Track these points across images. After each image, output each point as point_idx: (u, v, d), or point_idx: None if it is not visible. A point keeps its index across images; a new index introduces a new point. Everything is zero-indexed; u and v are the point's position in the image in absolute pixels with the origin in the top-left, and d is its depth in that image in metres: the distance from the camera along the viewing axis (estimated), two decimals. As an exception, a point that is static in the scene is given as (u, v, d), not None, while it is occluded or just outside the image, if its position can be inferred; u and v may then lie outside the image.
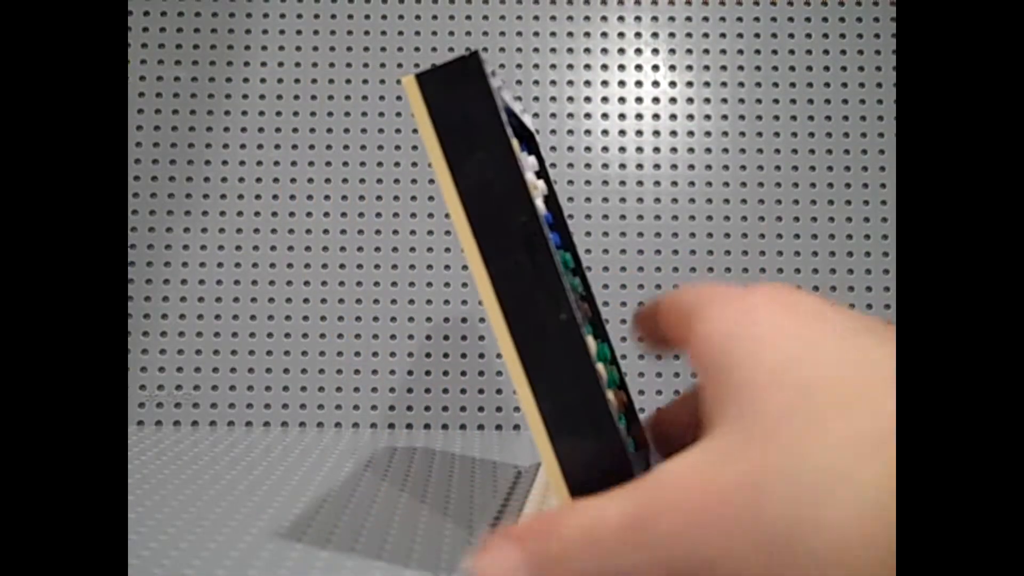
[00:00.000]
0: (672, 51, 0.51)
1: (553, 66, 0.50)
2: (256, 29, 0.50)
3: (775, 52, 0.51)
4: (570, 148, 0.50)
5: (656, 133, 0.50)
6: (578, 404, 0.22)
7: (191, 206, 0.49)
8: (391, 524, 0.30)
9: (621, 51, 0.51)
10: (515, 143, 0.24)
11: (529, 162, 0.31)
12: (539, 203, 0.27)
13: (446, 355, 0.49)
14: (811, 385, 0.17)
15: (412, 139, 0.50)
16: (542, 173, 0.36)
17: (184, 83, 0.50)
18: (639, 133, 0.50)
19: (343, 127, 0.50)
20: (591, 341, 0.25)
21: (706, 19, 0.51)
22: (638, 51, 0.51)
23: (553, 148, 0.50)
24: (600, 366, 0.24)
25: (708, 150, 0.50)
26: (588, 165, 0.50)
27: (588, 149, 0.50)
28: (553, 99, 0.50)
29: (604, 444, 0.22)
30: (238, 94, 0.50)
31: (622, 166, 0.50)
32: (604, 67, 0.51)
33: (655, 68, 0.51)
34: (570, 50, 0.51)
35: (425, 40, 0.50)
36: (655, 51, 0.51)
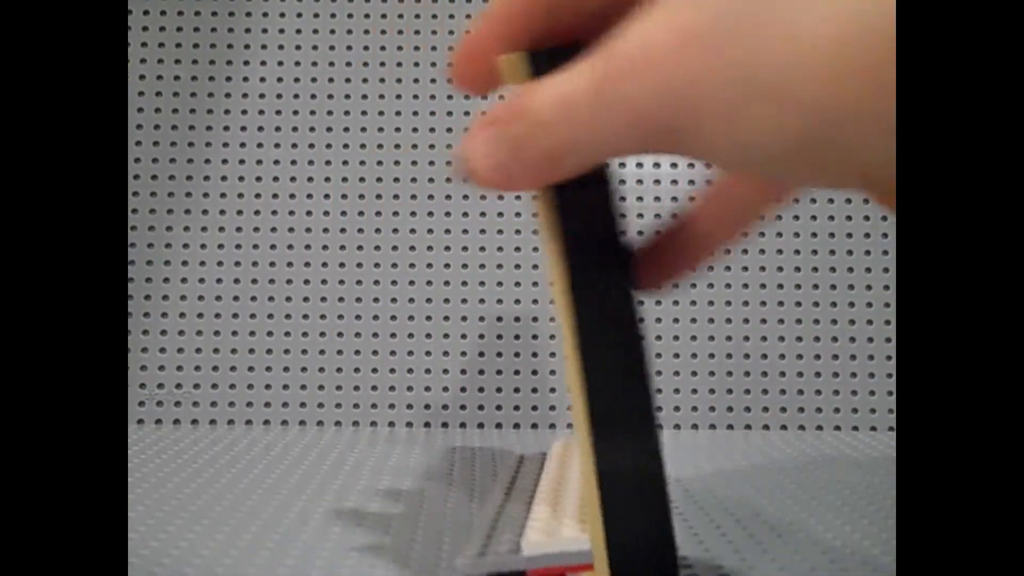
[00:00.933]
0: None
1: (553, 65, 0.50)
2: (256, 29, 0.50)
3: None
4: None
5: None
6: (629, 417, 0.22)
7: (191, 205, 0.49)
8: (391, 522, 0.31)
9: (620, 50, 0.51)
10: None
11: None
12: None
13: (445, 353, 0.49)
14: None
15: (412, 138, 0.50)
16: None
17: (184, 83, 0.50)
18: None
19: (343, 126, 0.50)
20: None
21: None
22: (637, 50, 0.51)
23: (553, 147, 0.50)
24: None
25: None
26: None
27: (588, 148, 0.50)
28: (553, 98, 0.50)
29: (647, 465, 0.22)
30: (238, 94, 0.50)
31: (622, 164, 0.50)
32: (603, 66, 0.51)
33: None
34: (569, 49, 0.51)
35: (425, 40, 0.50)
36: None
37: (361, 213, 0.49)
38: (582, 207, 0.22)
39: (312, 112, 0.50)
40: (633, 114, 0.17)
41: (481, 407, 0.48)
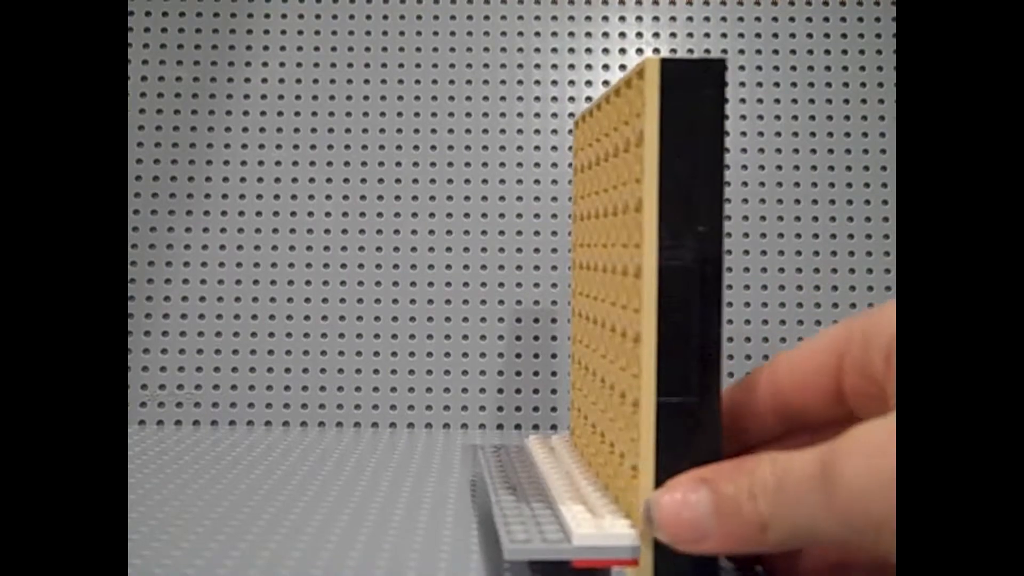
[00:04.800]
0: (673, 51, 0.51)
1: (554, 66, 0.50)
2: (257, 29, 0.50)
3: (776, 52, 0.51)
4: (570, 148, 0.50)
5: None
6: (695, 407, 0.23)
7: (192, 206, 0.49)
8: (392, 522, 0.30)
9: (622, 51, 0.51)
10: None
11: None
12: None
13: (447, 355, 0.49)
14: None
15: (412, 140, 0.50)
16: None
17: (185, 83, 0.50)
18: (640, 133, 0.50)
19: (344, 127, 0.50)
20: None
21: (707, 19, 0.51)
22: (639, 51, 0.51)
23: (554, 148, 0.50)
24: None
25: (709, 150, 0.50)
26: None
27: (589, 149, 0.50)
28: (554, 99, 0.50)
29: (705, 451, 0.22)
30: (239, 94, 0.50)
31: (623, 166, 0.50)
32: (605, 67, 0.51)
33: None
34: (571, 50, 0.51)
35: (426, 40, 0.50)
36: (656, 51, 0.51)
37: (363, 214, 0.49)
38: None
39: (314, 113, 0.50)
40: (840, 506, 0.18)
41: (482, 407, 0.48)
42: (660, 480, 0.22)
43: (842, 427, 0.19)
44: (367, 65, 0.50)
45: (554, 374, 0.48)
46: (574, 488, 0.28)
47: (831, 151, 0.50)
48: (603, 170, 0.29)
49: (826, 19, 0.51)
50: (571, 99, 0.50)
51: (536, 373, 0.48)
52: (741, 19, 0.51)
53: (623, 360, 0.25)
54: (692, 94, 0.23)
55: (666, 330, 0.23)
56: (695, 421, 0.23)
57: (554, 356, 0.49)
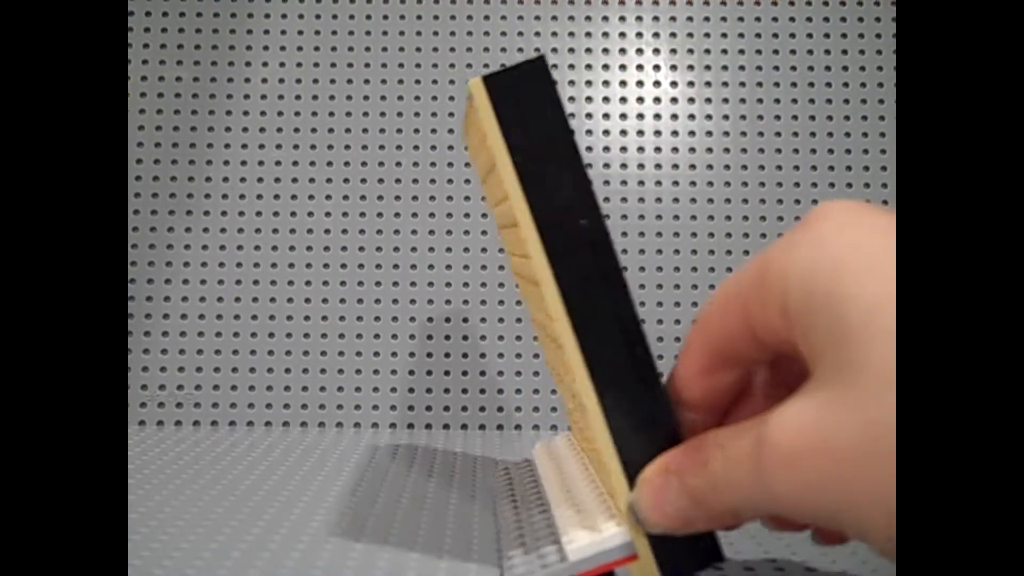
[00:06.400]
0: (673, 51, 0.51)
1: (554, 66, 0.50)
2: (257, 29, 0.50)
3: (776, 52, 0.51)
4: (571, 148, 0.50)
5: (657, 133, 0.50)
6: (642, 403, 0.23)
7: (192, 206, 0.49)
8: (393, 523, 0.30)
9: (622, 51, 0.51)
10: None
11: None
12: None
13: (447, 355, 0.49)
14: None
15: (412, 140, 0.50)
16: None
17: (184, 83, 0.50)
18: (640, 133, 0.50)
19: (344, 127, 0.50)
20: None
21: (707, 19, 0.51)
22: (639, 51, 0.51)
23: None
24: None
25: (709, 150, 0.50)
26: (589, 165, 0.50)
27: (589, 149, 0.50)
28: (554, 99, 0.50)
29: (666, 443, 0.23)
30: (239, 94, 0.50)
31: (623, 166, 0.50)
32: (605, 67, 0.51)
33: (656, 68, 0.51)
34: (571, 50, 0.51)
35: (426, 41, 0.50)
36: (656, 51, 0.51)
37: (363, 214, 0.49)
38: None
39: (314, 113, 0.50)
40: (789, 502, 0.19)
41: (483, 408, 0.48)
42: (630, 473, 0.23)
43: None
44: (367, 65, 0.50)
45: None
46: (569, 494, 0.28)
47: (831, 151, 0.50)
48: (489, 185, 0.29)
49: (826, 19, 0.51)
50: (571, 99, 0.50)
51: (536, 373, 0.48)
52: (741, 19, 0.51)
53: (561, 367, 0.25)
54: (524, 99, 0.23)
55: (582, 329, 0.23)
56: (640, 409, 0.23)
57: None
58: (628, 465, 0.23)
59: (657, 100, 0.51)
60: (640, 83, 0.51)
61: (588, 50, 0.51)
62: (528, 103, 0.23)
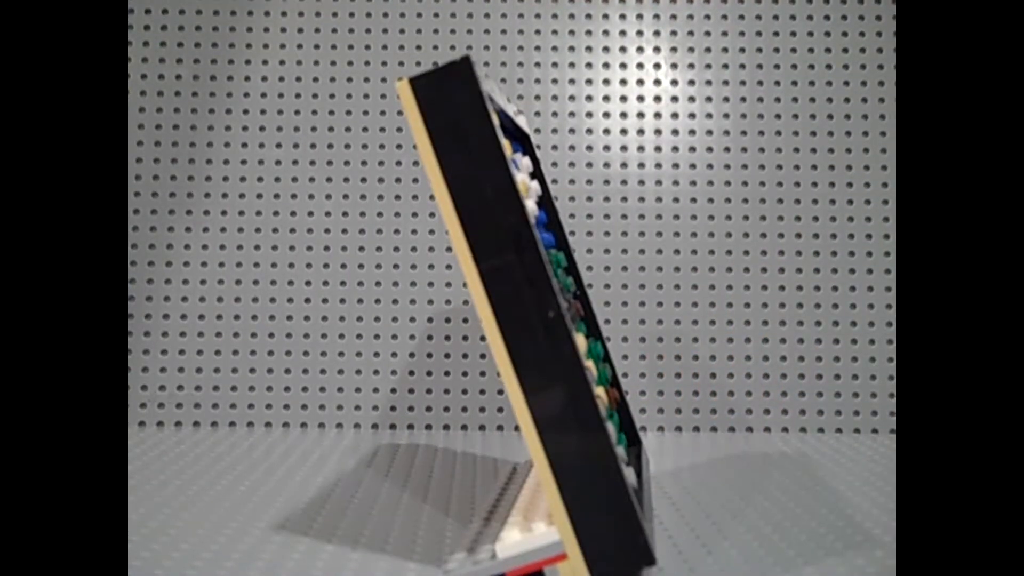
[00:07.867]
0: (673, 50, 0.51)
1: (554, 64, 0.50)
2: (257, 29, 0.50)
3: (776, 51, 0.51)
4: (571, 147, 0.50)
5: (657, 132, 0.50)
6: (565, 400, 0.23)
7: (192, 206, 0.49)
8: (392, 523, 0.30)
9: (622, 49, 0.51)
10: (507, 145, 0.24)
11: (523, 163, 0.31)
12: (530, 204, 0.27)
13: (447, 355, 0.48)
14: None
15: (411, 140, 0.50)
16: (536, 174, 0.36)
17: (184, 83, 0.50)
18: (640, 132, 0.50)
19: (343, 127, 0.50)
20: (581, 339, 0.26)
21: (707, 18, 0.51)
22: (639, 49, 0.51)
23: (554, 147, 0.50)
24: (590, 363, 0.24)
25: (709, 149, 0.50)
26: (589, 164, 0.50)
27: (589, 148, 0.50)
28: (554, 98, 0.50)
29: (591, 439, 0.23)
30: (239, 94, 0.50)
31: (623, 165, 0.50)
32: (605, 66, 0.51)
33: (656, 67, 0.51)
34: (571, 48, 0.51)
35: (425, 40, 0.50)
36: (656, 50, 0.51)
37: (363, 214, 0.49)
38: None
39: (314, 112, 0.50)
40: None
41: (482, 408, 0.48)
42: (553, 463, 0.23)
43: None
44: (367, 64, 0.50)
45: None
46: (534, 496, 0.28)
47: (831, 151, 0.50)
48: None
49: (827, 17, 0.51)
50: (571, 98, 0.50)
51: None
52: (741, 18, 0.51)
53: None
54: (449, 100, 0.23)
55: (506, 325, 0.23)
56: (563, 399, 0.23)
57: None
58: (552, 457, 0.23)
59: (657, 99, 0.51)
60: (640, 82, 0.51)
61: (588, 48, 0.51)
62: (453, 104, 0.23)
